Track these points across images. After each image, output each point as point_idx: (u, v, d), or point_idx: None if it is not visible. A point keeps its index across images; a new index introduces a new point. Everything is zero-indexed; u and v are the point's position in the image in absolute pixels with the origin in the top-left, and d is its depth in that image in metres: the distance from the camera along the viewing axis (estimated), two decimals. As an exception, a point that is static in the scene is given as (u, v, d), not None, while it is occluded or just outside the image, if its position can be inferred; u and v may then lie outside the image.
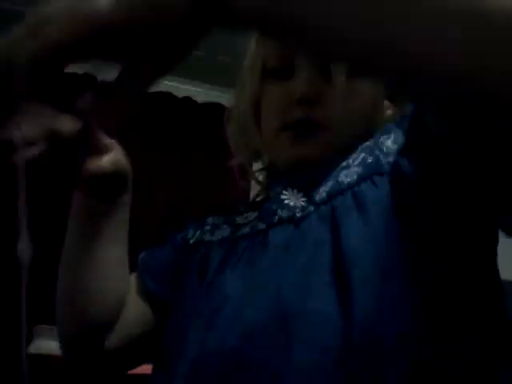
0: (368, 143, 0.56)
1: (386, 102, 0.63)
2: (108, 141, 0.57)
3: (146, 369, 1.51)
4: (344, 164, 0.55)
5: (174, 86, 2.33)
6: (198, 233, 0.65)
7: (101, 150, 0.55)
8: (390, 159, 0.51)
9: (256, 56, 0.64)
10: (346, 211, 0.50)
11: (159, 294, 0.64)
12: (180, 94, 2.29)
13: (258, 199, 0.66)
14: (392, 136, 0.54)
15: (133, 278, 0.67)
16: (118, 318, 0.62)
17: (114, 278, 0.63)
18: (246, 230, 0.58)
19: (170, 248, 0.67)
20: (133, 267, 0.69)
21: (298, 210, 0.54)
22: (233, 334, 0.48)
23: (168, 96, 2.26)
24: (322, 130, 0.58)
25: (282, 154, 0.61)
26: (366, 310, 0.44)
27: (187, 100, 2.29)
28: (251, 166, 0.71)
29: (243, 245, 0.56)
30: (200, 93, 2.35)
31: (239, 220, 0.61)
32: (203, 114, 2.27)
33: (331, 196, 0.52)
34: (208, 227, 0.64)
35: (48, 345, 1.44)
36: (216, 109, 2.31)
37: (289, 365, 0.44)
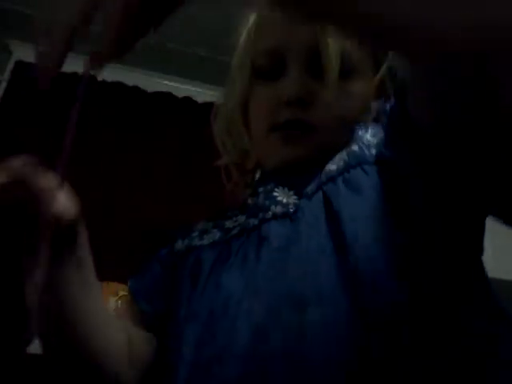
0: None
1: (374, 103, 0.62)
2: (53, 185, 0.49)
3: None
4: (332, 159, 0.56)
5: (173, 86, 2.33)
6: (185, 240, 0.64)
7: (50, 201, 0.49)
8: (373, 151, 0.51)
9: (245, 55, 0.62)
10: (338, 194, 0.50)
11: (157, 312, 0.62)
12: (180, 94, 2.29)
13: (247, 202, 0.65)
14: (369, 130, 0.54)
15: (127, 310, 0.65)
16: (128, 358, 0.58)
17: (109, 327, 0.58)
18: (236, 230, 0.57)
19: (156, 265, 0.65)
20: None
21: (291, 206, 0.53)
22: (243, 332, 0.46)
23: (168, 96, 2.26)
24: (313, 132, 0.57)
25: (272, 155, 0.60)
26: (373, 286, 0.43)
27: (187, 100, 2.29)
28: (238, 166, 0.70)
29: (236, 244, 0.55)
30: (200, 93, 2.35)
31: (229, 224, 0.60)
32: (203, 113, 2.27)
33: (321, 184, 0.52)
34: (196, 233, 0.63)
35: (48, 345, 1.44)
36: (216, 109, 2.31)
37: (305, 356, 0.42)
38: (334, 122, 0.57)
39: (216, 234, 0.60)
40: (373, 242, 0.45)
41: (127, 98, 2.19)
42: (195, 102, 2.29)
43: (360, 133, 0.55)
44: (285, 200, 0.54)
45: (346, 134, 0.58)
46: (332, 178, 0.52)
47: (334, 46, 0.56)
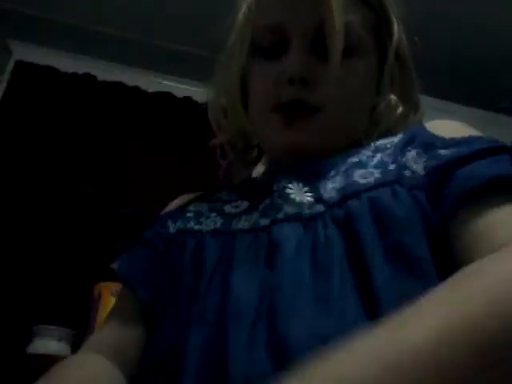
0: (384, 142, 0.53)
1: (394, 99, 0.60)
2: None
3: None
4: (355, 160, 0.52)
5: (173, 86, 2.33)
6: (178, 222, 0.58)
7: None
8: (410, 174, 0.49)
9: (244, 30, 0.59)
10: (360, 217, 0.46)
11: (156, 299, 0.55)
12: (180, 94, 2.29)
13: (247, 184, 0.61)
14: (414, 151, 0.51)
15: (116, 311, 0.59)
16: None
17: None
18: (245, 224, 0.52)
19: (145, 249, 0.59)
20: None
21: (305, 207, 0.49)
22: (262, 352, 0.41)
23: (168, 96, 2.26)
24: (316, 113, 0.54)
25: (273, 138, 0.57)
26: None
27: (187, 100, 2.29)
28: (235, 146, 0.66)
29: (243, 241, 0.50)
30: (200, 93, 2.34)
31: (228, 209, 0.56)
32: (203, 113, 2.27)
33: (346, 197, 0.48)
34: (190, 214, 0.58)
35: (48, 345, 1.44)
36: (216, 109, 2.31)
37: None
38: (338, 103, 0.55)
39: (217, 221, 0.55)
40: (398, 294, 0.41)
41: (127, 98, 2.19)
42: (195, 102, 2.29)
43: (405, 148, 0.51)
44: (298, 198, 0.50)
45: (351, 117, 0.56)
46: (358, 194, 0.48)
47: (338, 23, 0.53)
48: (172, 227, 0.58)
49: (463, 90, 2.37)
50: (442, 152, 0.48)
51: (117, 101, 2.16)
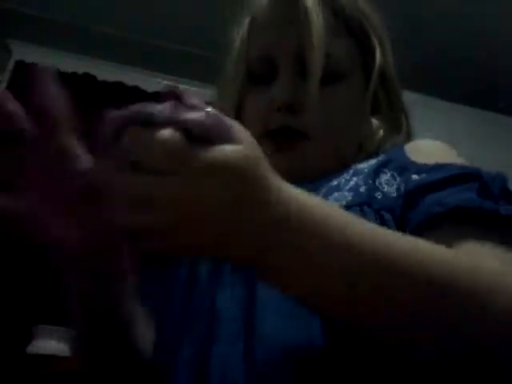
0: (362, 166, 0.55)
1: (376, 122, 0.62)
2: None
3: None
4: (335, 183, 0.54)
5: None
6: None
7: None
8: (380, 196, 0.50)
9: (239, 61, 0.63)
10: None
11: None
12: (180, 94, 2.30)
13: None
14: (389, 174, 0.52)
15: None
16: None
17: None
18: None
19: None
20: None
21: None
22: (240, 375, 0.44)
23: (168, 96, 2.27)
24: (303, 139, 0.57)
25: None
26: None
27: (187, 100, 2.29)
28: None
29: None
30: (200, 93, 2.34)
31: None
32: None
33: None
34: None
35: (48, 345, 1.44)
36: (216, 109, 2.31)
37: None
38: (324, 128, 0.57)
39: None
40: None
41: (127, 98, 2.19)
42: (195, 101, 2.30)
43: (378, 170, 0.53)
44: None
45: (338, 142, 0.58)
46: None
47: (318, 49, 0.56)
48: None
49: (460, 90, 2.38)
50: (414, 177, 0.49)
51: (117, 101, 2.17)
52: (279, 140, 0.57)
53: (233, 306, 0.48)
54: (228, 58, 0.66)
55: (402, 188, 0.50)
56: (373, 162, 0.55)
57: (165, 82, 2.33)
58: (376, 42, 0.62)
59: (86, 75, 2.18)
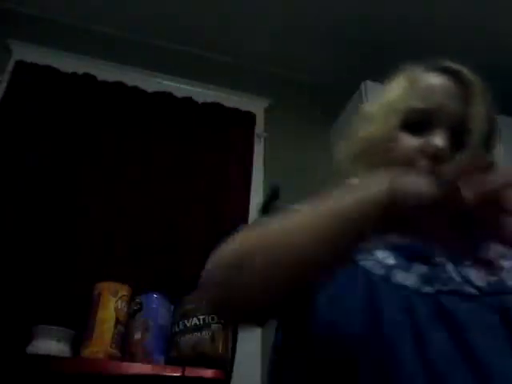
0: None
1: None
2: None
3: (144, 368, 1.50)
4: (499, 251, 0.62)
5: (173, 85, 2.33)
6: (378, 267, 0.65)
7: None
8: None
9: (397, 106, 0.75)
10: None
11: None
12: (180, 94, 2.29)
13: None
14: None
15: None
16: None
17: None
18: (446, 287, 0.61)
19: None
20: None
21: (474, 291, 0.61)
22: None
23: (168, 96, 2.26)
24: None
25: None
26: None
27: (187, 100, 2.29)
28: None
29: (451, 306, 0.58)
30: (200, 93, 2.35)
31: (432, 273, 0.63)
32: (203, 113, 2.27)
33: (502, 294, 0.61)
34: (388, 263, 0.65)
35: (48, 345, 1.44)
36: (216, 109, 2.31)
37: None
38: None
39: (415, 280, 0.63)
40: None
41: (127, 98, 2.19)
42: (195, 102, 2.29)
43: None
44: (476, 281, 0.62)
45: None
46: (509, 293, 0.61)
47: (480, 125, 0.71)
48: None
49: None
50: None
51: (117, 101, 2.17)
52: None
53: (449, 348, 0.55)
54: (380, 100, 0.80)
55: None
56: None
57: (165, 82, 2.33)
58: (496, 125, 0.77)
59: (86, 75, 2.18)
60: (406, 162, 0.69)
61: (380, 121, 0.76)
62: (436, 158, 0.68)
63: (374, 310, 0.57)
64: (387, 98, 0.78)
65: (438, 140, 0.70)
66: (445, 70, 0.76)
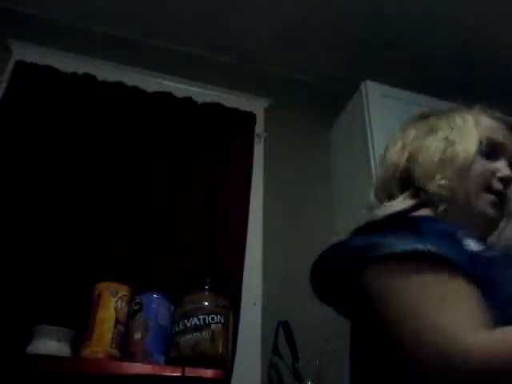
0: None
1: None
2: None
3: (144, 368, 1.50)
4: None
5: (173, 86, 2.33)
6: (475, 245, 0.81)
7: None
8: None
9: (472, 134, 0.93)
10: None
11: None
12: (180, 94, 2.29)
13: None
14: None
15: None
16: None
17: None
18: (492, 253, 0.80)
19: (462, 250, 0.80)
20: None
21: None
22: None
23: (168, 96, 2.26)
24: (505, 204, 0.89)
25: (479, 209, 0.89)
26: None
27: (187, 100, 2.29)
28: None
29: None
30: (200, 93, 2.35)
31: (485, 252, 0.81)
32: (203, 113, 2.27)
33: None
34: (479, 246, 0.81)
35: (48, 345, 1.44)
36: (216, 109, 2.31)
37: None
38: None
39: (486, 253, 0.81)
40: None
41: (127, 98, 2.19)
42: (195, 102, 2.29)
43: None
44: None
45: None
46: None
47: None
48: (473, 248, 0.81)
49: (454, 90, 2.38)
50: None
51: (117, 101, 2.16)
52: (496, 199, 0.89)
53: None
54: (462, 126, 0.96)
55: None
56: None
57: (165, 82, 2.33)
58: None
59: (86, 75, 2.18)
60: (481, 182, 0.89)
61: (462, 144, 0.93)
62: (506, 181, 0.90)
63: None
64: (462, 126, 0.96)
65: (503, 167, 0.92)
66: (496, 117, 0.97)
